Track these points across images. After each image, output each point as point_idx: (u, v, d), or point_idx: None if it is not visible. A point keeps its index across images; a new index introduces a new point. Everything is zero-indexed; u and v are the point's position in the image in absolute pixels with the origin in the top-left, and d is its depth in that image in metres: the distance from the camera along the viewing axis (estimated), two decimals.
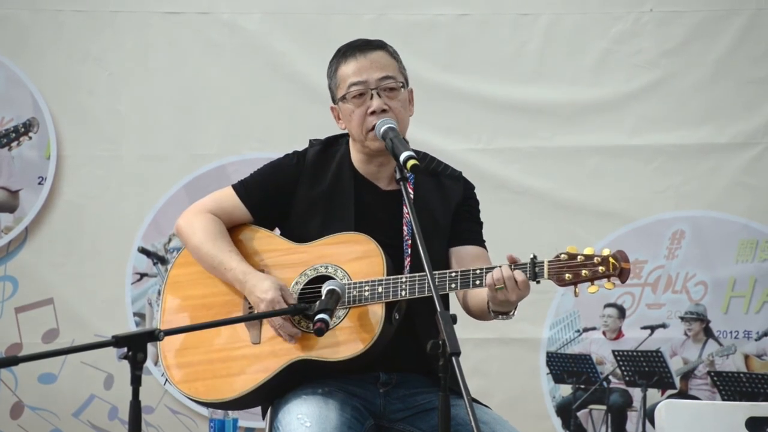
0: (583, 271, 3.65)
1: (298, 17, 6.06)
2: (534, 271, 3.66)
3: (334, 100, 3.99)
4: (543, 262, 3.67)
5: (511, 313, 3.78)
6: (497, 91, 6.06)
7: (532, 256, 3.68)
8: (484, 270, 3.70)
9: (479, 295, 3.80)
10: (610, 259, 3.65)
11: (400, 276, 3.77)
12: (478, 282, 3.70)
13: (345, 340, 3.75)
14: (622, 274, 3.66)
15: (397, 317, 3.78)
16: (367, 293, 3.77)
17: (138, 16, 6.05)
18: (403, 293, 3.75)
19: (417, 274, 3.75)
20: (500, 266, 3.68)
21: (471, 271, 3.72)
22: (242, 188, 4.03)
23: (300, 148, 4.06)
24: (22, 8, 6.03)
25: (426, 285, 3.71)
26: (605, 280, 3.66)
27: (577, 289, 3.67)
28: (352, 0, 6.07)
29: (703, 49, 6.02)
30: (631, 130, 6.04)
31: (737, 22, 6.01)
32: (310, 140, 4.08)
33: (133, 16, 6.05)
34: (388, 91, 3.91)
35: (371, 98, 3.89)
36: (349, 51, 3.96)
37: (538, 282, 3.68)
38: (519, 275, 3.65)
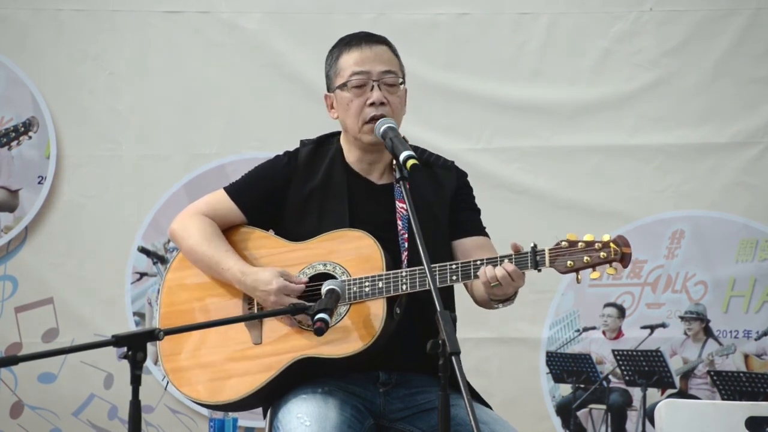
0: (585, 257, 3.66)
1: (298, 17, 6.06)
2: (535, 259, 3.67)
3: (329, 88, 3.98)
4: (544, 250, 3.68)
5: (513, 298, 3.78)
6: (497, 91, 6.06)
7: (532, 244, 3.69)
8: (485, 261, 3.71)
9: (481, 286, 3.79)
10: (612, 245, 3.66)
11: (400, 270, 3.77)
12: (478, 273, 3.71)
13: (348, 337, 3.76)
14: (624, 259, 3.66)
15: (398, 312, 3.79)
16: (367, 289, 3.77)
17: (137, 16, 6.05)
18: (404, 287, 3.75)
19: (417, 268, 3.75)
20: (496, 261, 3.68)
21: (471, 263, 3.72)
22: (235, 191, 4.01)
23: (291, 149, 4.05)
24: (22, 8, 6.03)
25: (427, 278, 3.71)
26: (607, 265, 3.66)
27: (579, 276, 3.67)
28: (351, 0, 6.08)
29: (703, 48, 6.02)
30: (631, 130, 6.04)
31: (737, 22, 6.01)
32: (301, 140, 4.07)
33: (132, 15, 6.05)
34: (389, 86, 3.91)
35: (371, 89, 3.88)
36: (354, 41, 3.95)
37: (539, 270, 3.69)
38: (509, 266, 3.66)
